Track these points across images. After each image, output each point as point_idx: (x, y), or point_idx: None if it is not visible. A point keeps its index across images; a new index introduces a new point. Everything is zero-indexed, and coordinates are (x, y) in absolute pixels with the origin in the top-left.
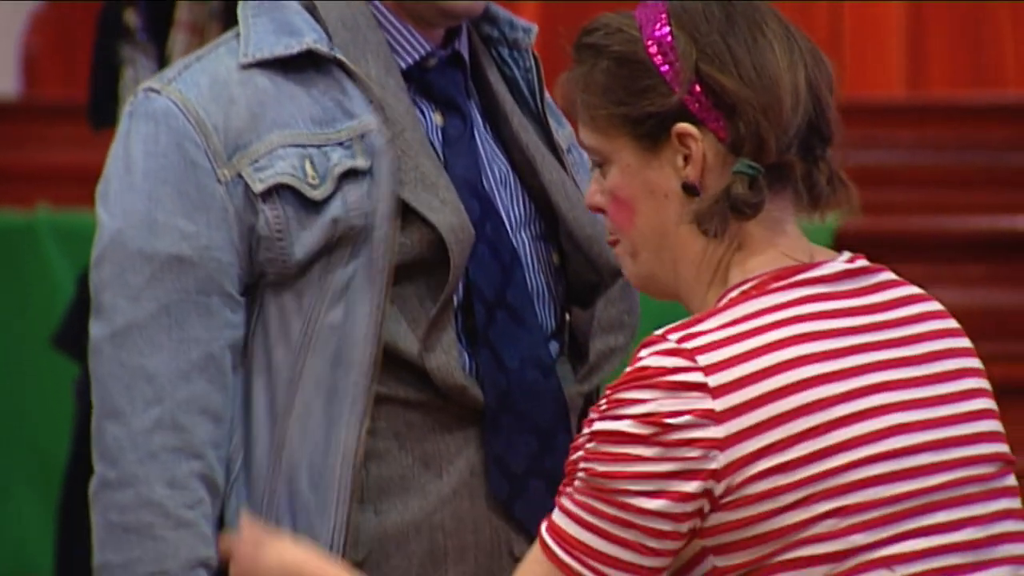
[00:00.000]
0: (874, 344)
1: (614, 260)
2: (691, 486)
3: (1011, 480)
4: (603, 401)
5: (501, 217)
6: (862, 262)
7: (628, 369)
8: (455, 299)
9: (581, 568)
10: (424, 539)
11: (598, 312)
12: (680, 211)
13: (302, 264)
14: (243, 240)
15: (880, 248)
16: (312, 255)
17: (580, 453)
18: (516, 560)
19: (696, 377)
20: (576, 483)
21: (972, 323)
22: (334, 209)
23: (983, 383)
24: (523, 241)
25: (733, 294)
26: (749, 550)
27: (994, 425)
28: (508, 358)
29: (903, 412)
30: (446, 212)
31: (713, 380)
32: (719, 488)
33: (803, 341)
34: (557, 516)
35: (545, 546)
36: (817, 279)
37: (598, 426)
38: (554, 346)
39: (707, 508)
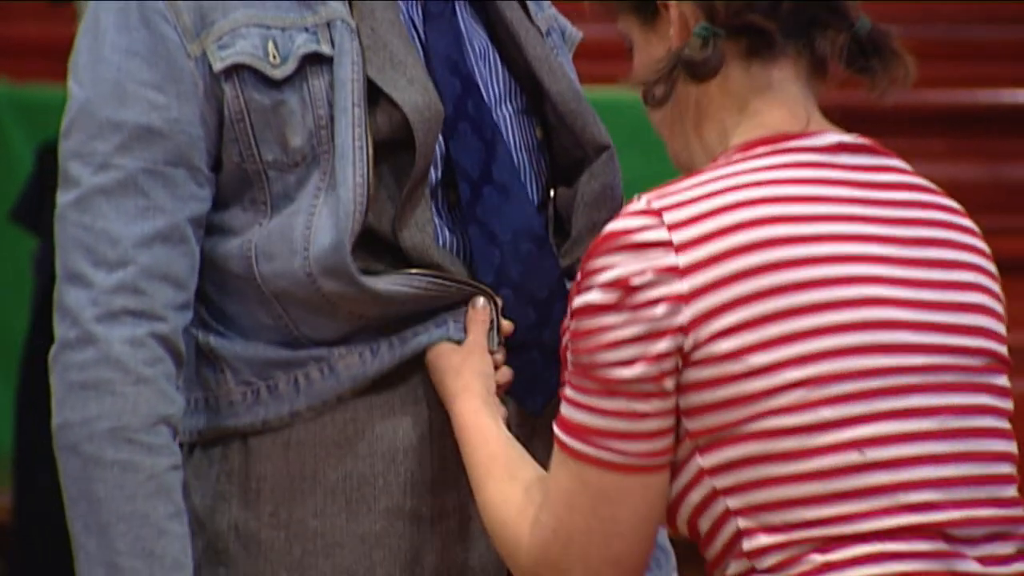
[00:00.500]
0: (861, 217)
1: (599, 135)
2: (661, 345)
3: (1000, 380)
4: (580, 275)
5: (482, 94)
6: (867, 141)
7: (600, 234)
8: (434, 177)
9: (588, 448)
10: (412, 415)
11: (581, 187)
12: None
13: (274, 158)
14: (212, 117)
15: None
16: (281, 147)
17: (567, 336)
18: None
19: (660, 234)
20: (569, 367)
21: None
22: (295, 91)
23: (985, 281)
24: (504, 116)
25: (720, 159)
26: (716, 413)
27: (988, 322)
28: (500, 232)
29: (883, 286)
30: (412, 91)
31: (677, 236)
32: (687, 342)
33: (780, 202)
34: (562, 407)
35: (558, 440)
36: (809, 148)
37: (575, 302)
38: (540, 221)
39: (680, 364)
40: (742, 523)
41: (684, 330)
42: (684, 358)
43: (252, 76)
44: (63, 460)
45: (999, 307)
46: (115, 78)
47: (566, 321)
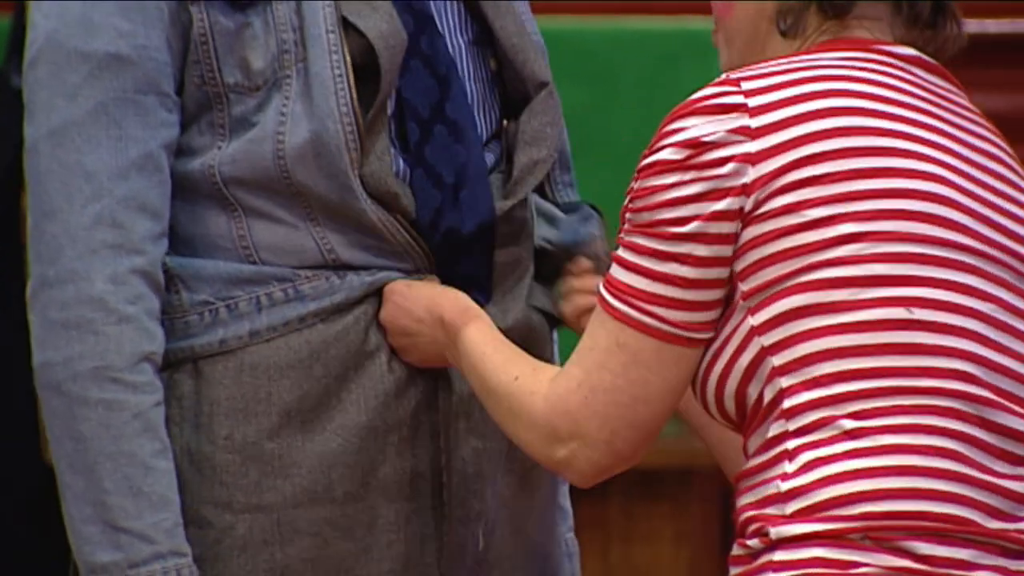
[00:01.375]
0: (937, 121)
1: (539, 72)
2: (722, 204)
3: None
4: (654, 138)
5: (437, 27)
6: (939, 65)
7: (680, 104)
8: (389, 108)
9: (630, 311)
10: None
11: (522, 124)
12: (773, 11)
13: (235, 81)
14: (178, 41)
15: None
16: (243, 71)
17: (629, 196)
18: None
19: (736, 99)
20: (626, 225)
21: None
22: (259, 14)
23: None
24: (459, 47)
25: (804, 50)
26: (771, 267)
27: None
28: (446, 174)
29: (956, 177)
30: (376, 18)
31: (753, 101)
32: (748, 203)
33: (857, 91)
34: (612, 269)
35: (602, 300)
36: (891, 54)
37: (644, 161)
38: (491, 157)
39: (740, 227)
40: (784, 381)
41: (747, 190)
42: (744, 218)
43: (217, 0)
44: (45, 399)
45: None
46: (81, 7)
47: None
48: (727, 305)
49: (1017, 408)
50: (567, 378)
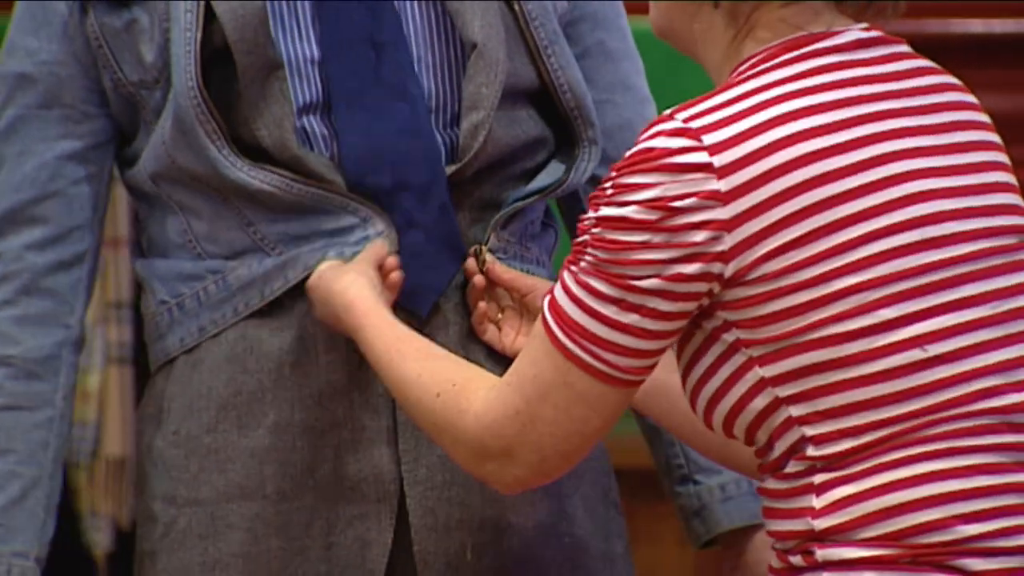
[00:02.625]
0: (892, 112)
1: (471, 33)
2: (694, 267)
3: None
4: (608, 185)
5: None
6: (879, 32)
7: (633, 149)
8: (311, 94)
9: (582, 354)
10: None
11: (463, 90)
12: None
13: (138, 78)
14: (85, 52)
15: None
16: (141, 66)
17: (586, 237)
18: None
19: (701, 157)
20: (582, 263)
21: None
22: (144, 8)
23: (1002, 157)
24: (411, 10)
25: (744, 67)
26: (773, 325)
27: (1015, 199)
28: (386, 131)
29: (926, 180)
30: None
31: (718, 160)
32: (728, 269)
33: (813, 113)
34: (559, 294)
35: (551, 332)
36: (832, 48)
37: (604, 212)
38: (426, 121)
39: (716, 288)
40: (808, 431)
41: (724, 257)
42: (723, 282)
43: (102, 2)
44: None
45: (1014, 178)
46: (11, 32)
47: (587, 223)
48: (711, 341)
49: None
50: (504, 403)
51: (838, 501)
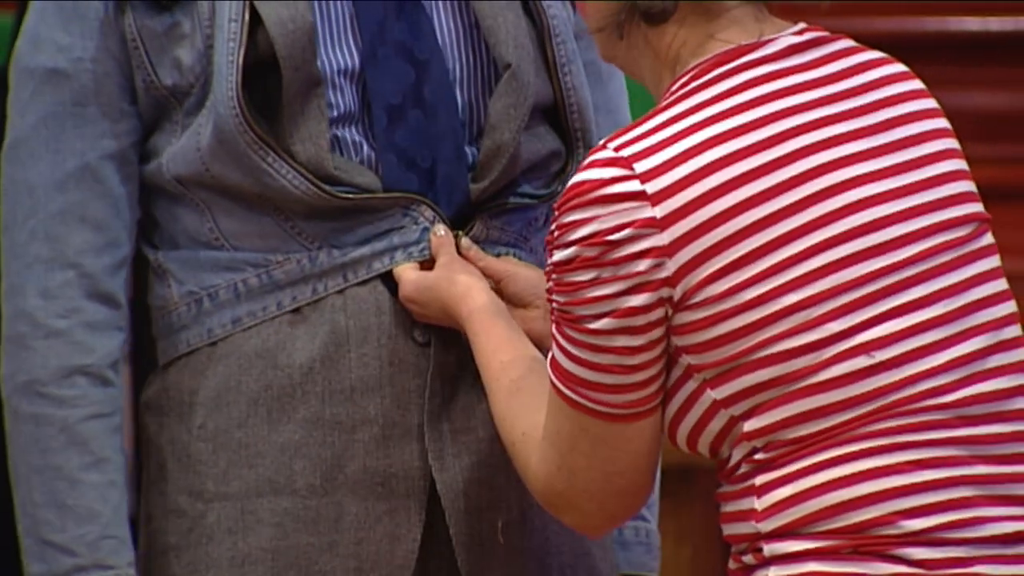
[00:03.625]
0: (828, 119)
1: (505, 53)
2: (643, 298)
3: (987, 239)
4: (554, 227)
5: (424, 12)
6: (814, 34)
7: (570, 183)
8: (350, 103)
9: (581, 399)
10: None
11: (489, 108)
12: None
13: (173, 82)
14: (120, 49)
15: None
16: (178, 70)
17: (549, 284)
18: (418, 344)
19: (633, 186)
20: (555, 312)
21: None
22: (187, 13)
23: (952, 143)
24: (451, 31)
25: (675, 87)
26: (720, 348)
27: (967, 186)
28: (421, 158)
29: (866, 185)
30: (279, 6)
31: (651, 187)
32: (676, 293)
33: (744, 132)
34: (552, 347)
35: (553, 385)
36: (763, 59)
37: (555, 256)
38: (463, 146)
39: (669, 311)
40: (758, 443)
41: (670, 282)
42: (674, 306)
43: (142, 3)
44: (5, 411)
45: (966, 164)
46: (35, 25)
47: (548, 269)
48: (671, 364)
49: (983, 388)
50: (546, 461)
51: (778, 503)
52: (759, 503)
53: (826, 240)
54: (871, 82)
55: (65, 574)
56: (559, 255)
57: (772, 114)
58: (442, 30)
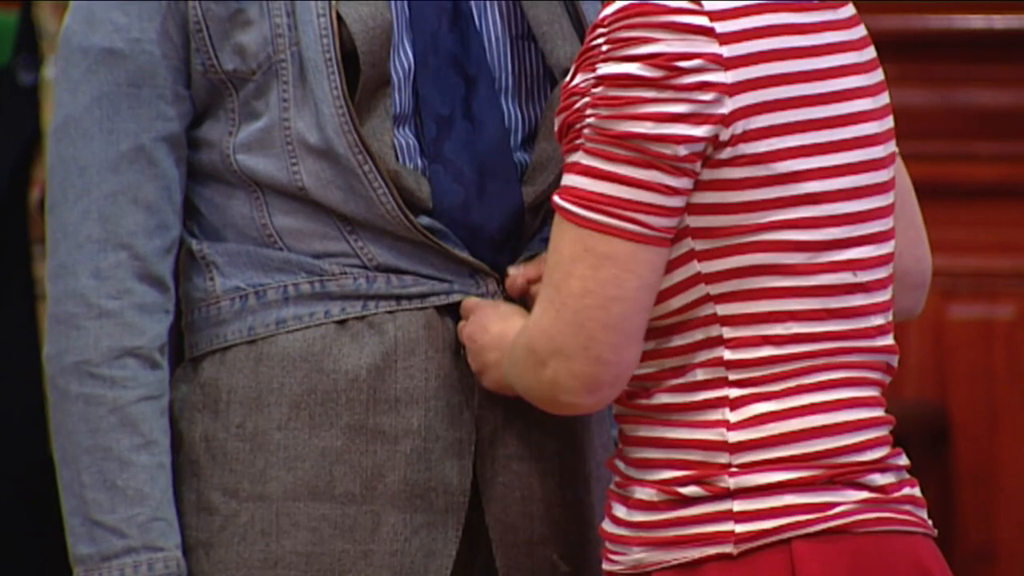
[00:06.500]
0: (839, 45)
1: (563, 59)
2: (703, 130)
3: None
4: (601, 40)
5: (474, 25)
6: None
7: (618, 5)
8: (404, 104)
9: (601, 217)
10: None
11: (546, 112)
12: None
13: (233, 67)
14: (179, 32)
15: None
16: (240, 56)
17: (584, 100)
18: (466, 360)
19: (703, 21)
20: (585, 132)
21: None
22: (249, 2)
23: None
24: (500, 42)
25: None
26: (728, 216)
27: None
28: (468, 171)
29: (862, 100)
30: (358, 3)
31: (720, 27)
32: (725, 134)
33: (790, 30)
34: (569, 179)
35: (564, 211)
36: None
37: (604, 69)
38: (511, 156)
39: (710, 152)
40: (727, 332)
41: (725, 121)
42: (716, 150)
43: None
44: (49, 391)
45: None
46: (88, 4)
47: (583, 85)
48: None
49: None
50: (539, 300)
51: (757, 416)
52: (733, 415)
53: (844, 140)
54: (852, 18)
55: (115, 555)
56: (611, 68)
57: (814, 24)
58: (492, 41)
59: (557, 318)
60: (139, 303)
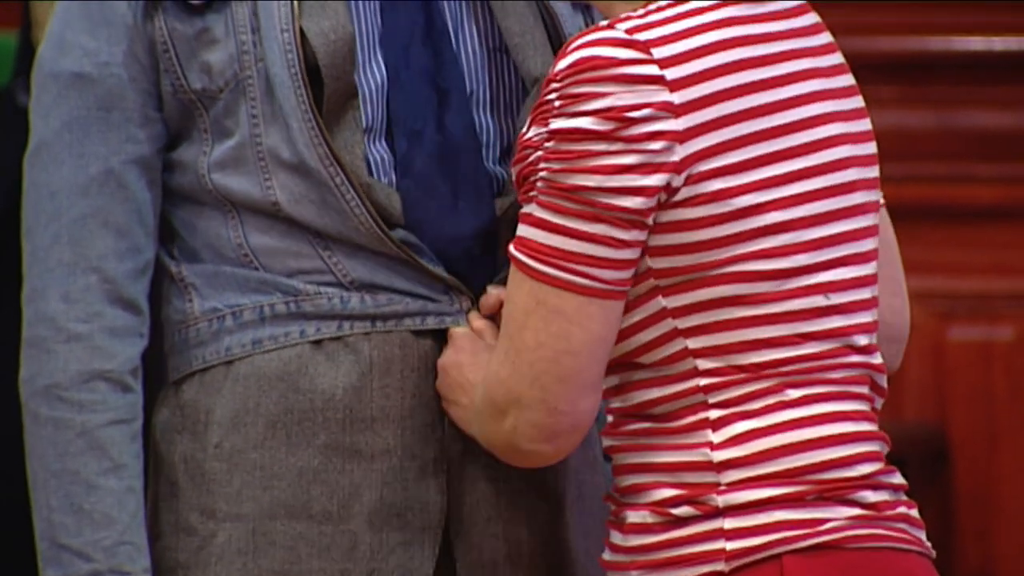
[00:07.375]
0: (797, 52)
1: (534, 68)
2: (654, 179)
3: None
4: (554, 96)
5: (449, 40)
6: None
7: (572, 58)
8: (372, 116)
9: (553, 271)
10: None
11: (518, 123)
12: None
13: (202, 86)
14: (147, 54)
15: None
16: (207, 74)
17: (538, 153)
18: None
19: (652, 70)
20: (538, 185)
21: (884, 145)
22: (219, 17)
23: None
24: (476, 55)
25: None
26: (693, 254)
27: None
28: (440, 183)
29: (834, 124)
30: (321, 16)
31: (670, 73)
32: (678, 180)
33: (751, 43)
34: (523, 230)
35: (518, 262)
36: None
37: (556, 124)
38: (484, 172)
39: (664, 200)
40: (701, 364)
41: (678, 168)
42: (669, 196)
43: (173, 6)
44: (23, 414)
45: None
46: (60, 30)
47: (536, 139)
48: None
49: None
50: (496, 352)
51: (739, 435)
52: (716, 436)
53: (806, 169)
54: (814, 26)
55: None
56: (563, 123)
57: (761, 35)
58: (470, 55)
59: (514, 370)
60: (109, 326)
